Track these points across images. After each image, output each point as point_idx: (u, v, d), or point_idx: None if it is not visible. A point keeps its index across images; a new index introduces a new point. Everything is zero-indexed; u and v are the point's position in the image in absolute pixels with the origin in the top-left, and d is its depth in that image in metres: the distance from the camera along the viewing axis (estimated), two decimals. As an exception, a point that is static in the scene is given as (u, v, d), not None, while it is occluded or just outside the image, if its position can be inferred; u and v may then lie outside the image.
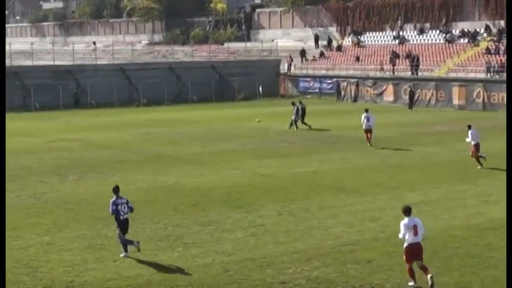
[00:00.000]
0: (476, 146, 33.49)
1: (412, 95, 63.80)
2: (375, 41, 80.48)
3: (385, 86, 68.90)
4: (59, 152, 39.17)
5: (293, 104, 49.59)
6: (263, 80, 75.81)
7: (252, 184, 29.76)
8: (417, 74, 68.00)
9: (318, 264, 18.92)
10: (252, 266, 18.86)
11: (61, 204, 26.42)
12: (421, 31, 76.73)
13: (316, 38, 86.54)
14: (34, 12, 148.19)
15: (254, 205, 25.84)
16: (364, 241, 21.01)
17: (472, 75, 63.55)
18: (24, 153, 38.95)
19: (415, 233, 17.05)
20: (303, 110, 49.07)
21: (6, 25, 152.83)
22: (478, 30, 71.32)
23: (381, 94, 69.18)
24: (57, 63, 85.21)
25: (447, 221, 23.36)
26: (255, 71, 77.72)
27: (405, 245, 17.19)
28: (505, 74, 60.84)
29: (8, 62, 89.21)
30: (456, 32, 73.28)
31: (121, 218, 20.18)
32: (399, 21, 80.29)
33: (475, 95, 61.25)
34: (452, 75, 65.28)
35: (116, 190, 20.52)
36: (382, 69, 71.25)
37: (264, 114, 51.89)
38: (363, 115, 41.46)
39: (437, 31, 75.10)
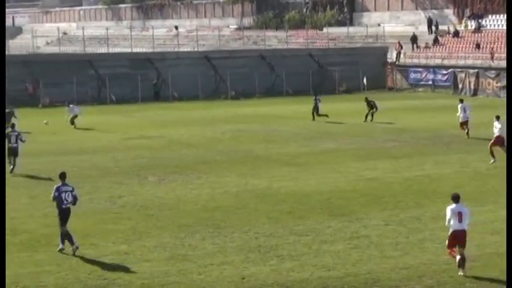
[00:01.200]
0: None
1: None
2: (498, 26, 79.08)
3: (510, 78, 67.72)
4: (138, 151, 39.88)
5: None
6: (368, 71, 75.42)
7: (356, 189, 29.71)
8: (550, 63, 66.57)
9: (431, 282, 18.80)
10: (355, 282, 18.86)
11: (140, 209, 26.90)
12: (556, 12, 75.00)
13: (430, 22, 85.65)
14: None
15: (358, 213, 25.80)
16: (485, 256, 20.76)
17: None
18: (98, 152, 39.80)
19: (460, 220, 19.59)
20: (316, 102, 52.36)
21: (79, 8, 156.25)
22: None
23: (505, 87, 68.01)
24: (135, 50, 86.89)
25: None
26: (359, 60, 77.50)
27: (450, 231, 19.73)
28: None
29: (81, 49, 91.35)
30: None
31: (63, 206, 21.62)
32: (528, 2, 78.73)
33: None
34: None
35: (62, 176, 22.08)
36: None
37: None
38: (459, 106, 43.32)
39: None
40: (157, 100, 68.61)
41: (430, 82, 74.89)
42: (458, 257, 19.46)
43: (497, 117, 35.99)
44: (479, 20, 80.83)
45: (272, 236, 23.11)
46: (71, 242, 21.52)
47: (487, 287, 18.44)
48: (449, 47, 78.17)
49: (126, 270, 20.03)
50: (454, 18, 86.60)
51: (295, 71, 74.08)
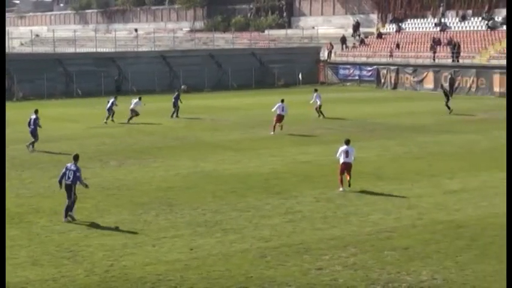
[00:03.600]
0: (279, 117, 40.50)
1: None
2: (416, 28, 79.87)
3: (425, 73, 68.47)
4: (101, 138, 39.54)
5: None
6: (303, 67, 75.77)
7: (291, 171, 29.81)
8: (458, 61, 67.40)
9: (355, 250, 18.95)
10: (289, 252, 18.94)
11: (102, 189, 26.71)
12: (463, 18, 75.97)
13: (357, 25, 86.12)
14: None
15: (292, 192, 25.90)
16: (402, 228, 20.98)
17: (513, 62, 62.79)
18: (66, 139, 39.38)
19: (347, 156, 26.04)
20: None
21: (50, 13, 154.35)
22: (521, 17, 70.46)
23: (421, 81, 68.77)
24: (99, 50, 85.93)
25: (485, 208, 23.23)
26: (295, 58, 77.76)
27: (340, 163, 26.07)
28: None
29: (51, 49, 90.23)
30: (499, 18, 72.43)
31: (65, 182, 22.31)
32: (441, 8, 79.61)
33: (516, 83, 60.55)
34: (494, 62, 64.62)
35: (75, 158, 23.06)
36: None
37: (304, 102, 51.73)
38: (314, 94, 47.64)
39: (480, 18, 74.35)
40: (119, 94, 67.96)
41: (357, 77, 75.36)
42: (343, 178, 25.90)
43: (282, 100, 41.39)
44: (400, 24, 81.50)
45: (217, 212, 23.12)
46: (66, 214, 22.12)
47: (402, 254, 18.59)
48: (373, 46, 78.71)
49: (89, 243, 19.87)
50: (378, 22, 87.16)
51: (240, 68, 74.08)
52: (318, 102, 47.42)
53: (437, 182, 27.47)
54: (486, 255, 18.39)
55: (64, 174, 22.41)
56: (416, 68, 69.51)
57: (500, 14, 73.20)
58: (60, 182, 22.51)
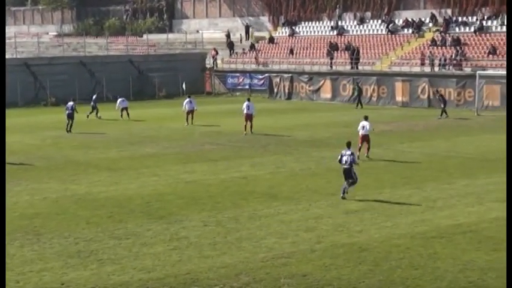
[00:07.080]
0: (247, 116, 46.42)
1: (359, 91, 64.03)
2: (311, 32, 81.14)
3: (322, 82, 69.49)
4: (-45, 159, 38.52)
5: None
6: (187, 76, 75.85)
7: (175, 192, 29.72)
8: (357, 68, 68.82)
9: (248, 279, 18.98)
10: (175, 283, 18.84)
11: (-43, 218, 25.99)
12: (362, 21, 77.74)
13: (247, 29, 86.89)
14: None
15: (177, 215, 25.79)
16: (299, 253, 21.15)
17: (416, 69, 64.60)
18: None
19: (363, 128, 36.59)
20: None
21: None
22: (423, 19, 72.65)
23: (317, 91, 69.80)
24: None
25: (390, 229, 23.66)
26: (178, 66, 77.82)
27: (359, 135, 36.72)
28: (451, 68, 62.24)
29: None
30: (399, 21, 74.50)
31: (342, 167, 27.94)
32: (337, 10, 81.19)
33: (419, 91, 62.27)
34: (395, 69, 66.29)
35: (348, 144, 28.48)
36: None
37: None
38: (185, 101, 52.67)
39: (379, 21, 76.23)
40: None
41: (247, 86, 75.93)
42: (361, 148, 36.34)
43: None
44: (293, 27, 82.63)
45: (92, 240, 22.81)
46: (343, 192, 27.89)
47: (300, 282, 18.74)
48: (264, 52, 79.49)
49: None
50: (269, 25, 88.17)
51: (116, 77, 73.69)
52: (187, 108, 51.78)
53: (337, 201, 27.85)
54: (391, 280, 18.72)
55: (341, 160, 27.94)
56: (312, 76, 70.58)
57: (401, 17, 75.25)
58: (340, 162, 28.11)
